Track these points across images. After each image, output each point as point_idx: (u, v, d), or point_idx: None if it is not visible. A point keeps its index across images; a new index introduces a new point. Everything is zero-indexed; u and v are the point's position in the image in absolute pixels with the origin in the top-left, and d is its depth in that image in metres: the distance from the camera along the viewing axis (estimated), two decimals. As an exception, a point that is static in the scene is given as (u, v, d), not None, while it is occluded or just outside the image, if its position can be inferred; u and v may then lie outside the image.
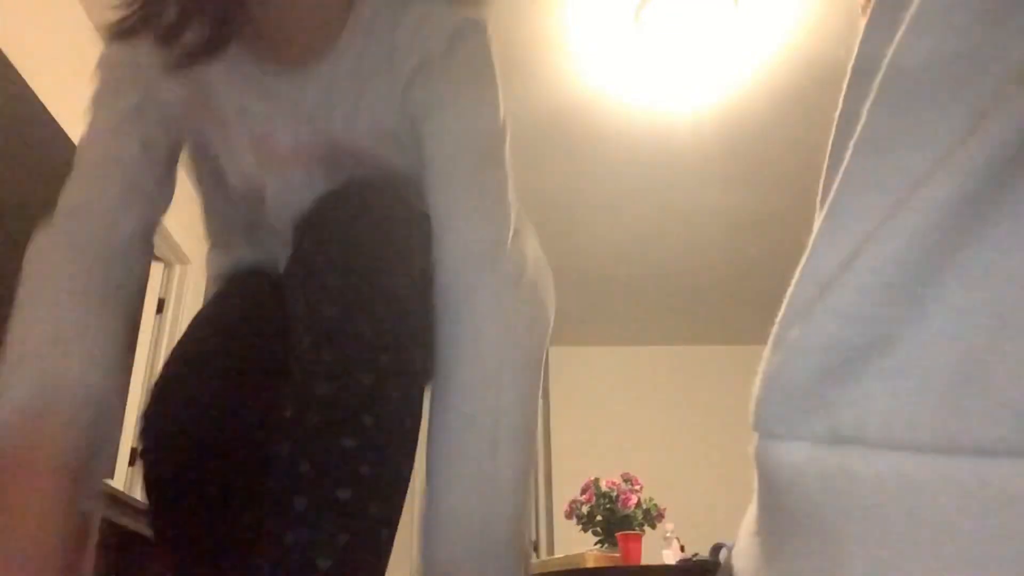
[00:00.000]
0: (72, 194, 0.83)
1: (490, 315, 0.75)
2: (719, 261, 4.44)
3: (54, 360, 0.68)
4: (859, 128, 0.22)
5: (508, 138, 0.84)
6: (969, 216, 0.19)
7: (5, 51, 2.12)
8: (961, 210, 0.19)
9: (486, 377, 0.72)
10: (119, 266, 0.81)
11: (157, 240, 3.16)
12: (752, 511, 0.26)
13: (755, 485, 0.25)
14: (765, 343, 0.24)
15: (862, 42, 0.25)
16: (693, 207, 3.92)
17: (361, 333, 0.66)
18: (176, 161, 0.95)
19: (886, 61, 0.21)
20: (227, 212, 1.00)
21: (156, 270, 3.55)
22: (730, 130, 3.32)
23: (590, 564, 2.89)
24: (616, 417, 5.44)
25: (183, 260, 3.66)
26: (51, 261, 0.79)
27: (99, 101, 0.86)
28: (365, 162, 0.86)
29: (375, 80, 0.82)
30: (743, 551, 0.26)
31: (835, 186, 0.23)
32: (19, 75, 1.91)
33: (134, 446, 3.37)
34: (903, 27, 0.21)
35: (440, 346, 0.74)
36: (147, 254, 0.88)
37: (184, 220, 3.59)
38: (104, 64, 0.87)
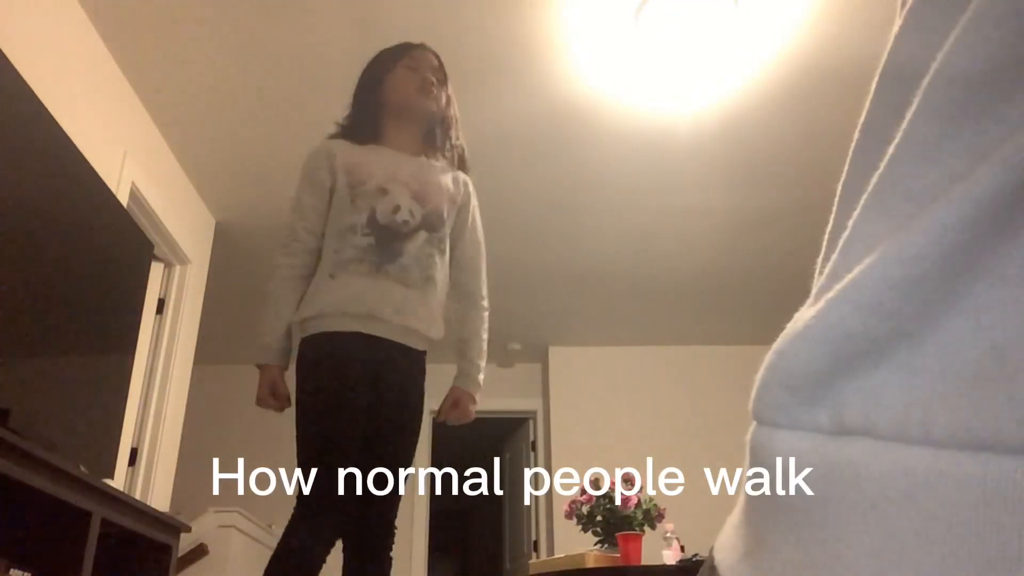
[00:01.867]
0: (293, 228, 1.95)
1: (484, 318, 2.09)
2: (719, 261, 4.44)
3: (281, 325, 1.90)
4: (901, 133, 0.22)
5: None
6: (1003, 213, 0.18)
7: (5, 51, 2.12)
8: (994, 206, 0.18)
9: (481, 332, 2.07)
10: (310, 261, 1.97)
11: (157, 240, 3.15)
12: (739, 503, 0.26)
13: (744, 475, 0.25)
14: (765, 343, 0.24)
15: (895, 45, 0.24)
16: (693, 207, 3.92)
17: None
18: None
19: (935, 66, 0.21)
20: (355, 244, 1.88)
21: (156, 270, 3.55)
22: (730, 130, 3.32)
23: (590, 564, 2.89)
24: (616, 417, 5.44)
25: (183, 260, 3.66)
26: (282, 271, 1.94)
27: (310, 180, 1.97)
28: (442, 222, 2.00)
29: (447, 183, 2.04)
30: (725, 542, 0.25)
31: (869, 190, 0.22)
32: (19, 75, 1.91)
33: (134, 446, 3.37)
34: (956, 31, 0.21)
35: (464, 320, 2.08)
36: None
37: (184, 221, 3.59)
38: (315, 155, 1.99)
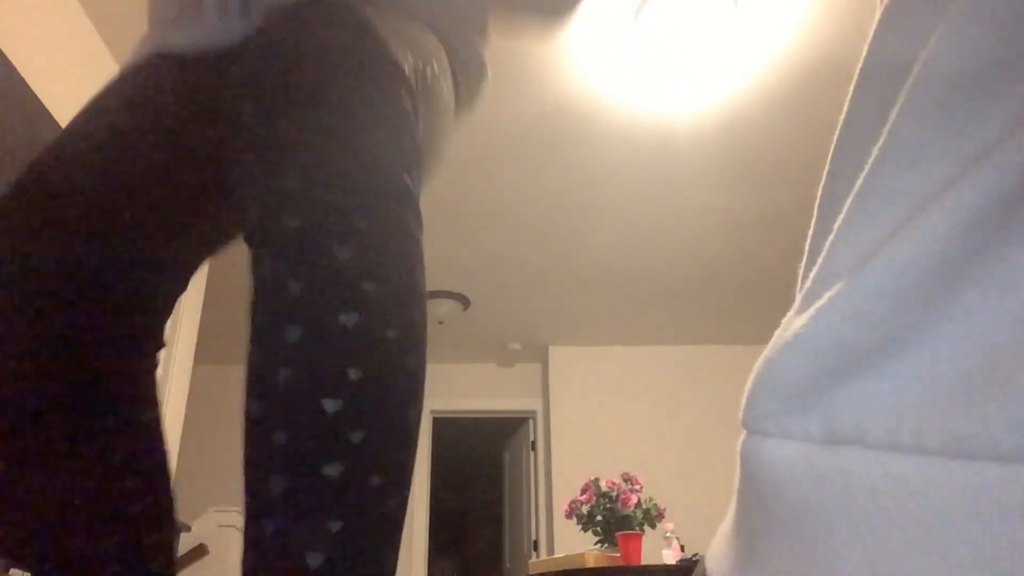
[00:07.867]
0: None
1: None
2: (719, 261, 4.44)
3: None
4: (885, 136, 0.21)
5: None
6: (993, 221, 0.18)
7: (5, 51, 2.12)
8: (984, 214, 0.18)
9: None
10: None
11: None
12: (730, 512, 0.26)
13: (736, 484, 0.25)
14: (765, 343, 0.24)
15: (873, 44, 0.24)
16: (693, 207, 3.92)
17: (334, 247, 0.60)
18: None
19: (918, 67, 0.20)
20: None
21: (156, 270, 3.54)
22: (730, 130, 3.32)
23: (590, 564, 2.89)
24: (616, 417, 5.44)
25: (183, 260, 3.65)
26: None
27: None
28: None
29: None
30: (717, 551, 0.25)
31: (853, 194, 0.22)
32: (19, 75, 1.91)
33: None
34: (939, 31, 0.20)
35: None
36: None
37: (184, 220, 3.59)
38: None
